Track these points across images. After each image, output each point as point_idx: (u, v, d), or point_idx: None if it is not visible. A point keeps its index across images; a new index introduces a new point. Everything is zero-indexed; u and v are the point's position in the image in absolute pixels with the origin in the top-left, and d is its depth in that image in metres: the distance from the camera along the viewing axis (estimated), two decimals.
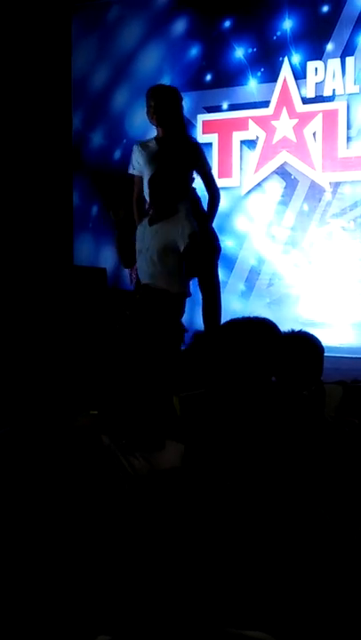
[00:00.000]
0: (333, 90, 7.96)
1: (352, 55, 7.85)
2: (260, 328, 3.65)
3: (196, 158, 6.62)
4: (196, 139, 7.20)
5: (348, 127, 7.87)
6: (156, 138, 6.65)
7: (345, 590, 2.78)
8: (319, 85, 8.02)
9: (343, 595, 2.77)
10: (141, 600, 1.99)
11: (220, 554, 2.03)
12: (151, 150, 6.58)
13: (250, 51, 8.38)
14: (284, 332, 4.47)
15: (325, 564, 2.82)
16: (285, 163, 8.19)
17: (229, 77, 8.46)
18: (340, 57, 7.89)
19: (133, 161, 6.69)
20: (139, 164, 6.63)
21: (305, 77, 8.09)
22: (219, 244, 6.79)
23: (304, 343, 4.37)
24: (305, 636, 2.68)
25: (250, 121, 8.34)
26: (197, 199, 6.64)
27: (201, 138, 8.38)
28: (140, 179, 6.63)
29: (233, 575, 2.43)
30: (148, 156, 6.56)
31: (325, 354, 4.51)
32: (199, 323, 6.69)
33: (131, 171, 6.74)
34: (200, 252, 6.07)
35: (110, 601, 2.30)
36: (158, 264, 6.11)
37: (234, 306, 8.29)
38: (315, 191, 8.05)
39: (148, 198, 6.41)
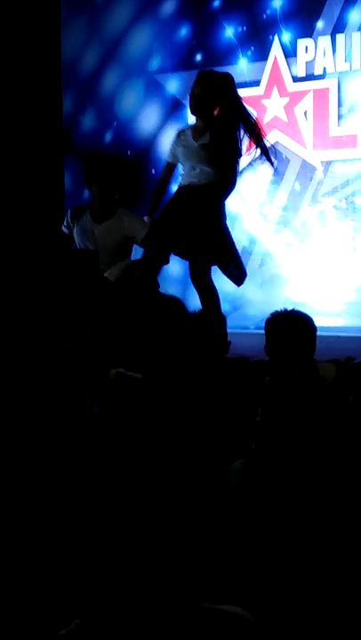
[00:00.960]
0: (324, 68, 7.92)
1: (342, 32, 7.81)
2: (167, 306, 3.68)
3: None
4: None
5: (340, 105, 7.84)
6: (192, 127, 6.42)
7: (332, 570, 2.78)
8: (310, 64, 7.99)
9: (330, 574, 2.77)
10: (116, 576, 2.00)
11: (202, 532, 2.03)
12: (186, 144, 6.35)
13: (240, 30, 8.34)
14: (276, 312, 4.48)
15: (313, 540, 2.82)
16: (277, 142, 8.14)
17: (220, 57, 8.42)
18: (331, 34, 7.85)
19: (170, 147, 6.48)
20: (173, 153, 6.42)
21: (295, 56, 8.05)
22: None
23: (296, 322, 4.38)
24: (284, 612, 2.68)
25: None
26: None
27: (192, 118, 8.33)
28: (170, 166, 6.47)
29: (210, 551, 2.43)
30: (183, 151, 6.35)
31: (318, 333, 4.51)
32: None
33: (168, 158, 6.52)
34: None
35: (86, 579, 2.30)
36: (113, 259, 6.29)
37: (226, 287, 8.26)
38: (306, 170, 8.03)
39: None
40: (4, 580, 2.95)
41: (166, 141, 8.40)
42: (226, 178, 6.27)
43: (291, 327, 4.35)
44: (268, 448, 2.85)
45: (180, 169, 6.42)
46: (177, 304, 3.82)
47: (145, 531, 2.02)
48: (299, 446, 2.86)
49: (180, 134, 6.45)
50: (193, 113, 6.40)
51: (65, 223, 6.79)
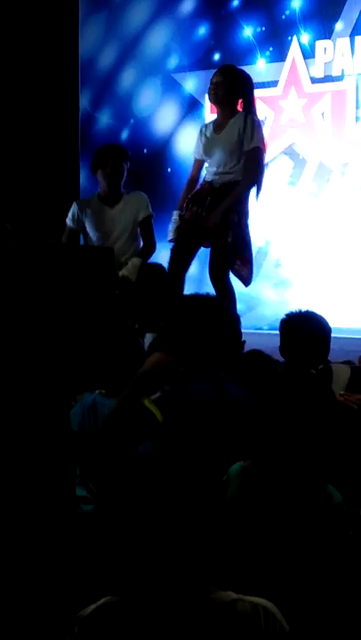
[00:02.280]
0: (342, 69, 7.91)
1: None
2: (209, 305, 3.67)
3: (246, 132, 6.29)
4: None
5: (357, 107, 7.83)
6: (213, 121, 6.46)
7: (347, 566, 2.78)
8: (328, 65, 7.98)
9: (345, 570, 2.77)
10: (145, 562, 2.01)
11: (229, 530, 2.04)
12: (208, 137, 6.39)
13: (258, 30, 8.33)
14: (291, 312, 4.48)
15: (328, 540, 2.82)
16: (294, 143, 8.15)
17: (238, 57, 8.40)
18: (350, 36, 7.85)
19: (196, 144, 6.51)
20: (198, 148, 6.48)
21: (314, 57, 8.05)
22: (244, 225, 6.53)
23: (310, 323, 4.37)
24: (306, 606, 2.68)
25: (258, 101, 8.27)
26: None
27: (209, 117, 8.33)
28: (198, 162, 6.50)
29: (238, 545, 2.42)
30: (205, 143, 6.40)
31: (332, 335, 4.50)
32: None
33: (194, 154, 6.56)
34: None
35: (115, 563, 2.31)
36: (128, 241, 6.32)
37: (241, 287, 8.26)
38: (323, 171, 8.01)
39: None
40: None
41: (183, 140, 8.41)
42: (249, 173, 6.27)
43: (305, 328, 4.34)
44: (277, 449, 2.84)
45: (206, 163, 6.44)
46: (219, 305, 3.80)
47: (152, 532, 2.03)
48: (309, 447, 2.85)
49: (202, 128, 6.50)
50: (213, 102, 6.47)
51: (70, 216, 6.69)
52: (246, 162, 6.25)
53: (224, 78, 6.33)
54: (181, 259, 6.42)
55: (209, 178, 6.37)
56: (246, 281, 6.51)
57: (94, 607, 2.08)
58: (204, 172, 6.49)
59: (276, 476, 2.83)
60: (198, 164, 6.52)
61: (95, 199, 6.59)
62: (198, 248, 6.44)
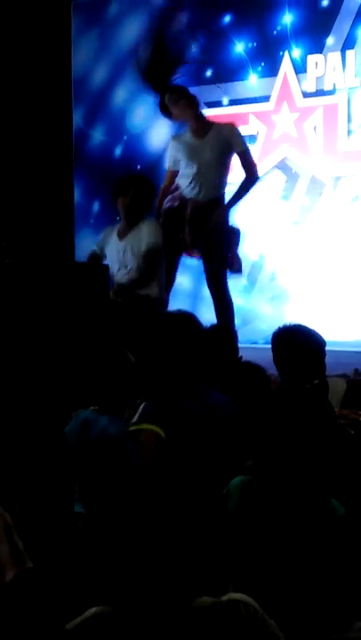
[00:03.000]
0: (334, 84, 7.94)
1: (352, 48, 7.84)
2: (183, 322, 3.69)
3: (233, 138, 6.43)
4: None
5: (349, 121, 7.86)
6: (191, 130, 6.51)
7: (351, 577, 2.78)
8: (320, 79, 8.01)
9: (350, 581, 2.78)
10: (134, 573, 2.03)
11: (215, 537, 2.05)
12: (189, 144, 6.46)
13: (250, 45, 8.36)
14: (282, 327, 4.46)
15: (331, 553, 2.82)
16: (286, 157, 8.18)
17: (230, 72, 8.45)
18: (341, 50, 7.88)
19: (170, 155, 6.58)
20: (173, 158, 6.52)
21: (305, 71, 8.08)
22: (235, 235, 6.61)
23: (301, 336, 4.35)
24: (310, 617, 2.69)
25: (250, 116, 8.33)
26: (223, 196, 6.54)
27: None
28: (172, 172, 6.54)
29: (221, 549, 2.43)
30: (186, 151, 6.45)
31: (327, 348, 4.50)
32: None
33: (167, 165, 6.63)
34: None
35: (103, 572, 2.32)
36: (136, 272, 6.13)
37: (236, 301, 8.24)
38: (316, 185, 8.04)
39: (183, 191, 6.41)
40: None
41: None
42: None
43: (296, 341, 4.32)
44: (275, 464, 2.85)
45: (182, 170, 6.45)
46: (190, 320, 3.82)
47: (148, 542, 2.04)
48: (309, 461, 2.85)
49: (175, 138, 6.54)
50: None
51: (98, 240, 6.63)
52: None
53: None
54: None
55: (189, 194, 6.42)
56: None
57: (81, 619, 2.10)
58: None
59: (277, 491, 2.83)
60: (172, 175, 6.61)
61: (115, 228, 6.48)
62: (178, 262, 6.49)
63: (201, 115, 6.51)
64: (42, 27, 9.04)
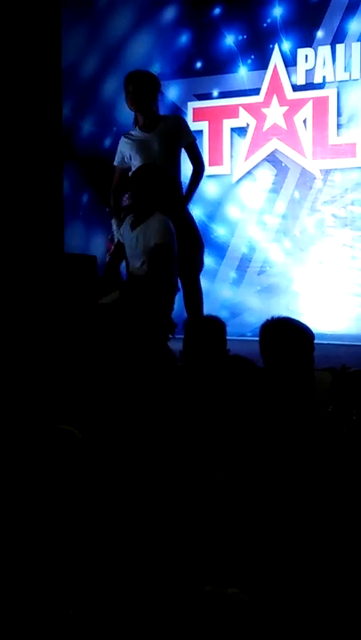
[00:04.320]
0: (324, 77, 7.95)
1: (342, 42, 7.84)
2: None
3: (180, 129, 6.48)
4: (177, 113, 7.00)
5: (339, 114, 7.86)
6: (138, 126, 6.55)
7: (325, 560, 2.80)
8: (309, 72, 8.01)
9: (323, 565, 2.80)
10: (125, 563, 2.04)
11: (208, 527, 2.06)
12: (138, 139, 6.50)
13: (240, 38, 8.36)
14: (269, 319, 4.45)
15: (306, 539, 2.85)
16: (276, 150, 8.18)
17: (220, 65, 8.44)
18: (331, 44, 7.89)
19: (119, 152, 6.59)
20: (123, 155, 6.54)
21: (295, 65, 8.08)
22: (197, 230, 6.62)
23: (288, 330, 4.34)
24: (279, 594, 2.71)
25: (240, 108, 8.33)
26: (180, 187, 6.56)
27: (191, 125, 8.31)
28: (121, 170, 6.56)
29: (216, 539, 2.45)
30: (136, 146, 6.49)
31: (316, 341, 4.51)
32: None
33: (116, 162, 6.64)
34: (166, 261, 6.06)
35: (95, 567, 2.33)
36: (144, 266, 6.09)
37: (225, 294, 8.29)
38: (305, 178, 8.05)
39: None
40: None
41: None
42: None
43: (283, 335, 4.31)
44: (255, 456, 2.86)
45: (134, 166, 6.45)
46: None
47: (148, 528, 2.05)
48: (289, 454, 2.87)
49: (125, 135, 6.55)
50: (134, 110, 6.56)
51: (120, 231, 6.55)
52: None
53: (136, 86, 6.49)
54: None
55: None
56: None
57: (78, 609, 2.11)
58: None
59: (249, 484, 2.85)
60: (121, 172, 6.63)
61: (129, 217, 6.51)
62: None
63: (149, 107, 6.48)
64: (32, 17, 9.02)
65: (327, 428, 3.37)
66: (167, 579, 2.07)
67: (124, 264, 6.41)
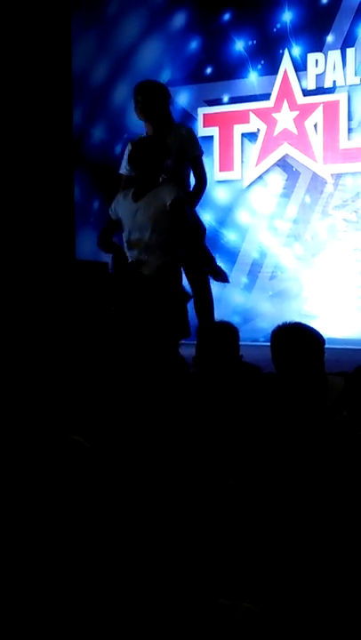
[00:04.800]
0: (334, 81, 7.94)
1: (352, 46, 7.83)
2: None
3: (186, 142, 6.44)
4: (188, 125, 6.97)
5: (350, 119, 7.85)
6: (146, 134, 6.54)
7: (334, 571, 2.79)
8: (320, 77, 8.00)
9: (332, 576, 2.78)
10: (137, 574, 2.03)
11: (218, 537, 2.06)
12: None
13: (250, 43, 8.36)
14: (280, 325, 4.45)
15: (315, 548, 2.84)
16: (287, 155, 8.17)
17: (230, 70, 8.44)
18: (341, 48, 7.87)
19: (124, 159, 6.54)
20: (126, 163, 6.47)
21: (305, 69, 8.07)
22: (203, 227, 6.63)
23: (300, 335, 4.34)
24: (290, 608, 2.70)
25: (251, 114, 8.33)
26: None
27: (202, 131, 8.37)
28: (127, 178, 6.50)
29: (227, 552, 2.44)
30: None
31: (327, 345, 4.50)
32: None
33: (121, 170, 6.62)
34: (184, 222, 5.99)
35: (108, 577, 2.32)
36: (153, 235, 5.96)
37: (236, 299, 8.28)
38: (316, 183, 8.03)
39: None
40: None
41: None
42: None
43: (295, 340, 4.31)
44: (266, 464, 2.86)
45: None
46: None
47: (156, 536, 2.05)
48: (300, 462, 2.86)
49: (131, 142, 6.53)
50: (143, 120, 6.54)
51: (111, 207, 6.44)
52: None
53: (145, 97, 6.47)
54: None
55: None
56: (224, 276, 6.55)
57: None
58: None
59: (262, 490, 2.85)
60: (127, 181, 6.55)
61: (128, 192, 6.44)
62: None
63: (158, 117, 6.46)
64: (42, 24, 9.04)
65: (342, 433, 3.36)
66: (178, 590, 2.06)
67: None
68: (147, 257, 5.95)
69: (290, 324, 4.42)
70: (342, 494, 3.07)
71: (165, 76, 8.81)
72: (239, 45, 8.40)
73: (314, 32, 8.02)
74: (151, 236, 5.94)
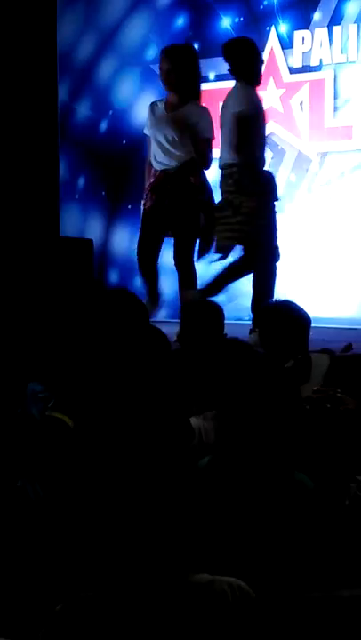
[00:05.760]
0: (320, 59, 7.91)
1: (339, 24, 7.80)
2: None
3: (197, 122, 6.49)
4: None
5: (335, 97, 7.83)
6: (166, 100, 6.58)
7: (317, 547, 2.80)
8: (306, 55, 7.98)
9: (316, 552, 2.80)
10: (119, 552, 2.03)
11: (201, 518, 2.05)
12: (158, 113, 6.53)
13: (236, 20, 8.32)
14: (269, 303, 4.49)
15: (300, 526, 2.85)
16: (272, 133, 8.13)
17: (216, 47, 8.36)
18: (328, 26, 7.84)
19: (147, 119, 6.71)
20: (146, 125, 6.66)
21: (292, 47, 8.04)
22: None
23: (287, 313, 4.38)
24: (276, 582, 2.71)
25: None
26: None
27: None
28: (150, 140, 6.65)
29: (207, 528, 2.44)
30: (153, 119, 6.56)
31: (314, 325, 4.51)
32: None
33: (145, 130, 6.77)
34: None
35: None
36: (178, 142, 6.28)
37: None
38: (302, 161, 8.02)
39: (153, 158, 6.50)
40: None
41: None
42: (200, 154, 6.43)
43: (282, 318, 4.35)
44: (242, 442, 2.85)
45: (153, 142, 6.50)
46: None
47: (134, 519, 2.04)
48: (273, 440, 2.86)
49: (151, 104, 6.58)
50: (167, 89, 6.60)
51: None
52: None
53: (170, 64, 6.54)
54: (151, 250, 6.49)
55: (160, 166, 6.51)
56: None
57: (67, 603, 2.09)
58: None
59: (241, 469, 2.85)
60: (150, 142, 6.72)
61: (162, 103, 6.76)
62: (164, 237, 6.54)
63: (180, 86, 6.46)
64: (27, 0, 8.96)
65: (315, 407, 3.39)
66: (163, 568, 2.06)
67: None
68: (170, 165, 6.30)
69: (276, 302, 4.45)
70: (319, 468, 3.09)
71: (152, 53, 8.76)
72: (226, 22, 8.35)
73: (301, 9, 7.98)
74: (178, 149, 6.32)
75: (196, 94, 6.57)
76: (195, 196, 6.36)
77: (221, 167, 6.47)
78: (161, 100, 6.67)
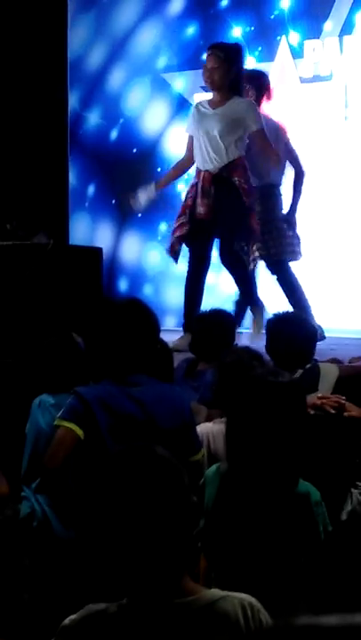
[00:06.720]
0: (331, 69, 7.90)
1: (350, 34, 7.79)
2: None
3: (244, 114, 6.45)
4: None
5: (346, 106, 7.82)
6: (210, 101, 6.58)
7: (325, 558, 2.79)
8: (317, 65, 7.96)
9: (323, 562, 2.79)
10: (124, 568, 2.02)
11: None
12: (202, 113, 6.51)
13: (247, 29, 8.31)
14: (277, 314, 4.53)
15: (304, 536, 2.84)
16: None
17: None
18: (338, 36, 7.83)
19: (189, 118, 6.69)
20: (189, 125, 6.63)
21: (303, 57, 8.03)
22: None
23: (296, 323, 4.42)
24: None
25: None
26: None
27: None
28: (190, 139, 6.62)
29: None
30: (198, 117, 6.54)
31: (326, 335, 4.53)
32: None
33: (187, 130, 6.75)
34: None
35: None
36: (225, 138, 6.26)
37: (229, 288, 8.25)
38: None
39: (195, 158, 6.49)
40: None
41: (173, 139, 8.39)
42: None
43: (290, 329, 4.40)
44: (251, 454, 2.85)
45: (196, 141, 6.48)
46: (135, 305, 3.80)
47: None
48: (280, 452, 2.86)
49: (195, 105, 6.62)
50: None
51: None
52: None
53: (213, 63, 6.48)
54: (202, 259, 6.47)
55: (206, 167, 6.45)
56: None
57: (76, 617, 2.07)
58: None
59: (250, 479, 2.84)
60: (190, 141, 6.68)
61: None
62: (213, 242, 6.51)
63: (223, 84, 6.43)
64: (37, 8, 8.99)
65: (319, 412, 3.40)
66: (170, 581, 2.04)
67: None
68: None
69: (284, 313, 4.50)
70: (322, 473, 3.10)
71: (162, 62, 8.78)
72: (237, 32, 8.35)
73: (312, 19, 7.97)
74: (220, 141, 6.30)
75: (239, 91, 6.55)
76: (240, 197, 6.33)
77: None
78: (205, 101, 6.65)
